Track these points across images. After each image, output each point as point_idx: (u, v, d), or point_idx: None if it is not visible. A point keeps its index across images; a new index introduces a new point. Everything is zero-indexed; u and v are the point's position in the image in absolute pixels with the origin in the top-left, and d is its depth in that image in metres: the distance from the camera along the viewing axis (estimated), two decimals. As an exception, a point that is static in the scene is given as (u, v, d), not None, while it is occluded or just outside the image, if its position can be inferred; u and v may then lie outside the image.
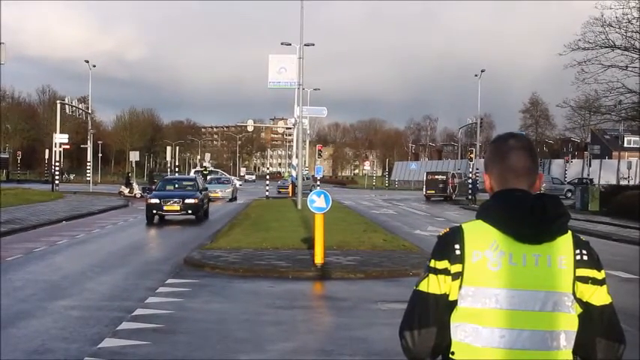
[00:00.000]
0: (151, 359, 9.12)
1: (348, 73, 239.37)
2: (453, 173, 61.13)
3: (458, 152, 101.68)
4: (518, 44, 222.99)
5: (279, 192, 64.06)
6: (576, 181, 66.85)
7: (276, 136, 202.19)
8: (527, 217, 2.63)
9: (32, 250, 20.32)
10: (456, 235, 2.72)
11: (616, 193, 41.02)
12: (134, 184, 56.37)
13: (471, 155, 60.03)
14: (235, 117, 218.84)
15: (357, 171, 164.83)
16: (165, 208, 30.74)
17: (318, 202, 16.28)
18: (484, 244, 2.66)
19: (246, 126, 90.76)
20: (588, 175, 67.69)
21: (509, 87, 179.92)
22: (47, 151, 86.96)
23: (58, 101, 66.16)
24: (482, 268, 2.63)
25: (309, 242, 18.93)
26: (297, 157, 50.18)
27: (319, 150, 70.03)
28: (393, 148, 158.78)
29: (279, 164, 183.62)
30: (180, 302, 12.92)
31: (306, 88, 56.59)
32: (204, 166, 79.46)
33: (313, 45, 48.54)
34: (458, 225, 2.76)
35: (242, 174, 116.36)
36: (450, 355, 2.67)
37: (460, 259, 2.66)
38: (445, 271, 2.68)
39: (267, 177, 61.97)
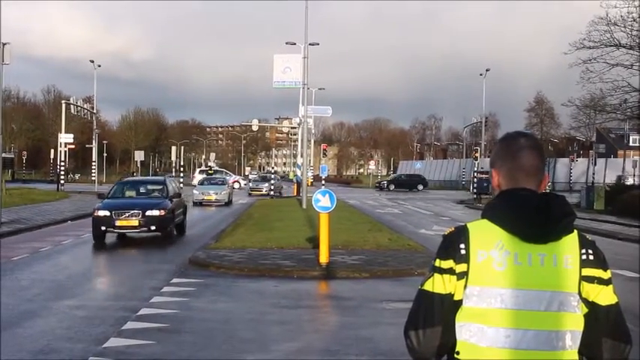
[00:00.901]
0: (156, 359, 9.12)
1: (352, 73, 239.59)
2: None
3: (463, 151, 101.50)
4: (523, 43, 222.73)
5: (250, 194, 59.67)
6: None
7: (281, 135, 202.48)
8: (533, 217, 2.63)
9: (38, 250, 20.35)
10: (461, 234, 2.71)
11: (621, 192, 40.91)
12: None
13: (476, 154, 59.90)
14: (240, 116, 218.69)
15: (361, 170, 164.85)
16: (118, 223, 22.06)
17: (323, 201, 16.29)
18: (489, 243, 2.65)
19: (251, 125, 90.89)
20: (594, 173, 67.56)
21: (514, 86, 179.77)
22: (52, 150, 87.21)
23: (63, 101, 66.25)
24: (488, 268, 2.63)
25: (314, 241, 18.91)
26: (302, 156, 50.17)
27: (324, 149, 70.14)
28: (398, 148, 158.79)
29: (284, 164, 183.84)
30: (185, 302, 12.92)
31: (310, 88, 56.55)
32: (209, 166, 79.63)
33: (318, 44, 48.63)
34: (463, 224, 2.75)
35: (247, 173, 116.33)
36: (455, 355, 2.66)
37: (465, 259, 2.65)
38: (450, 271, 2.67)
39: (272, 176, 62.00)
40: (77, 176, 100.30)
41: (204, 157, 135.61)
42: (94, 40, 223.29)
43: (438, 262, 2.71)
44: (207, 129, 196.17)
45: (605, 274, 2.69)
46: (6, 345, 9.63)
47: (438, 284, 2.68)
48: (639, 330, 9.19)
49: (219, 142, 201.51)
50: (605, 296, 2.68)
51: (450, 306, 2.67)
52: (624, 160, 76.18)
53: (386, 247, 20.36)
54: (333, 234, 18.10)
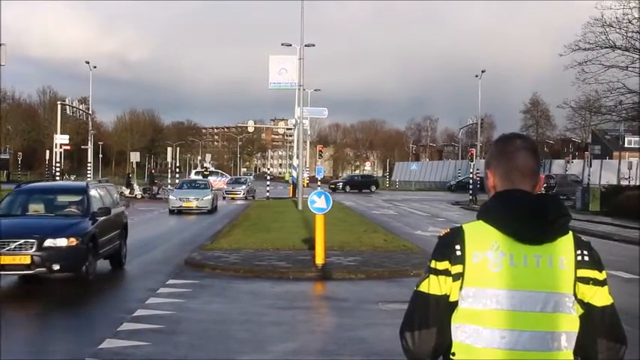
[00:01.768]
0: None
1: (348, 74, 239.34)
2: (549, 174, 61.74)
3: (459, 153, 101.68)
4: (518, 45, 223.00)
5: (224, 197, 54.82)
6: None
7: (276, 136, 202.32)
8: (528, 218, 2.63)
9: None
10: (456, 235, 2.71)
11: (617, 194, 40.99)
12: (135, 185, 56.38)
13: (472, 153, 59.91)
14: (236, 118, 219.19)
15: (357, 171, 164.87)
16: None
17: (318, 202, 16.29)
18: (485, 244, 2.65)
19: (246, 127, 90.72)
20: (589, 175, 67.58)
21: (509, 87, 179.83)
22: (48, 151, 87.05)
23: (58, 102, 66.11)
24: (483, 269, 2.63)
25: (310, 243, 18.92)
26: (297, 157, 50.16)
27: (320, 151, 70.01)
28: (394, 149, 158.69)
29: (280, 165, 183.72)
30: (180, 303, 12.91)
31: (306, 89, 56.54)
32: (205, 167, 79.57)
33: (314, 46, 48.50)
34: (459, 225, 2.76)
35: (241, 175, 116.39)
36: (451, 356, 2.66)
37: (461, 260, 2.66)
38: (446, 272, 2.67)
39: (268, 177, 61.92)
40: (73, 177, 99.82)
41: (199, 158, 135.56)
42: (90, 41, 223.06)
43: (433, 264, 2.71)
44: (203, 130, 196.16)
45: (601, 275, 2.70)
46: (5, 345, 9.62)
47: (433, 285, 2.68)
48: (635, 331, 9.21)
49: (215, 143, 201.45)
50: (600, 297, 2.68)
51: (445, 307, 2.67)
52: (619, 162, 76.31)
53: (382, 249, 20.37)
54: (329, 235, 18.11)
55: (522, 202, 2.68)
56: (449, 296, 2.67)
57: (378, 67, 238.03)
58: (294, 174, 55.86)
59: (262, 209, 40.11)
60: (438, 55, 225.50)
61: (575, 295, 2.65)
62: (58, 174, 58.74)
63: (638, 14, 38.06)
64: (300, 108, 46.83)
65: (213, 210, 39.25)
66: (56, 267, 13.74)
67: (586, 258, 2.68)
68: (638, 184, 58.42)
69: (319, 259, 16.36)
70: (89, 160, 69.63)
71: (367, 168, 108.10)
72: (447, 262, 2.68)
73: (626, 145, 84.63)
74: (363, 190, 76.72)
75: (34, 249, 13.60)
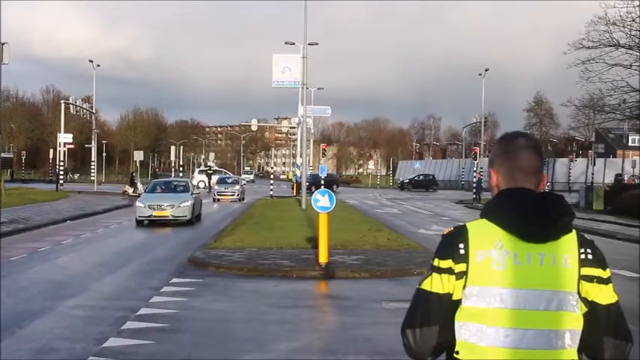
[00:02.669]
0: (155, 359, 9.12)
1: (352, 73, 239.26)
2: (633, 174, 61.96)
3: (462, 151, 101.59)
4: (522, 43, 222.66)
5: (218, 200, 50.46)
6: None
7: (280, 135, 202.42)
8: (532, 216, 2.63)
9: (37, 250, 20.35)
10: (460, 234, 2.71)
11: (620, 192, 40.92)
12: (138, 184, 56.39)
13: (476, 151, 59.90)
14: (239, 116, 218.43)
15: (361, 170, 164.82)
16: None
17: (322, 201, 16.28)
18: (489, 243, 2.65)
19: (250, 125, 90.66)
20: (593, 174, 67.52)
21: (513, 86, 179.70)
22: (51, 150, 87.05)
23: (62, 101, 66.33)
24: (487, 268, 2.63)
25: (314, 241, 18.91)
26: (301, 156, 50.14)
27: (323, 149, 70.08)
28: (397, 147, 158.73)
29: (284, 163, 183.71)
30: (184, 302, 12.92)
31: (310, 88, 56.50)
32: (209, 166, 79.63)
33: (317, 44, 48.63)
34: (462, 224, 2.75)
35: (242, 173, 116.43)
36: (455, 355, 2.66)
37: (464, 259, 2.65)
38: (449, 271, 2.67)
39: (272, 176, 61.93)
40: (76, 176, 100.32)
41: (203, 157, 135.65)
42: (94, 41, 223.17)
43: (436, 262, 2.71)
44: (207, 129, 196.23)
45: (605, 273, 2.69)
46: (5, 345, 9.63)
47: (436, 284, 2.68)
48: (637, 329, 9.20)
49: (219, 142, 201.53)
50: (605, 295, 2.68)
51: (448, 306, 2.66)
52: (623, 160, 76.24)
53: (385, 247, 20.37)
54: (333, 234, 18.11)
55: (526, 200, 2.67)
56: (452, 295, 2.67)
57: (382, 66, 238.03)
58: (298, 172, 55.87)
59: (266, 208, 40.10)
60: (441, 54, 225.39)
61: (579, 293, 2.65)
62: (61, 173, 58.84)
63: (642, 12, 37.99)
64: (304, 106, 46.79)
65: (194, 219, 30.48)
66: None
67: (590, 256, 2.68)
68: (637, 181, 58.28)
69: (323, 258, 16.35)
70: (93, 159, 69.84)
71: (371, 167, 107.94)
72: (450, 261, 2.67)
73: (629, 144, 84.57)
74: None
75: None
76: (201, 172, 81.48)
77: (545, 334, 2.60)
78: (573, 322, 2.63)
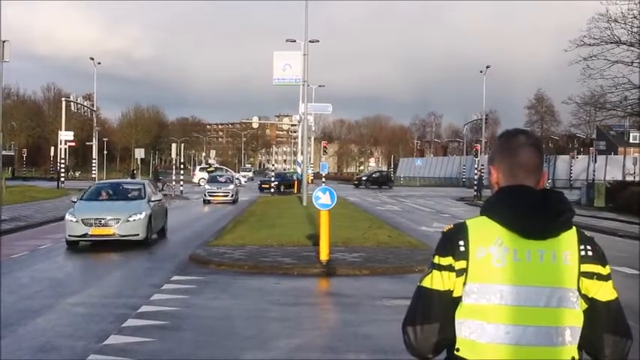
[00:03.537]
0: (156, 356, 9.13)
1: (352, 70, 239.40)
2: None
3: (463, 148, 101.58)
4: (523, 41, 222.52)
5: (206, 200, 44.64)
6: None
7: (281, 132, 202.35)
8: (532, 213, 2.63)
9: (38, 248, 20.36)
10: (460, 231, 2.71)
11: (622, 189, 40.91)
12: (139, 182, 56.31)
13: (477, 149, 59.86)
14: (240, 114, 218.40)
15: (362, 167, 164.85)
16: None
17: (323, 198, 16.29)
18: (488, 240, 2.65)
19: (251, 123, 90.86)
20: (594, 171, 67.45)
21: (514, 83, 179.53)
22: (52, 148, 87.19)
23: (63, 98, 66.28)
24: (487, 265, 2.63)
25: (315, 239, 18.92)
26: (302, 153, 50.16)
27: (324, 147, 70.05)
28: (399, 145, 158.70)
29: (285, 161, 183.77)
30: (185, 299, 12.93)
31: (311, 85, 56.53)
32: (209, 163, 79.62)
33: (318, 42, 48.51)
34: (462, 221, 2.76)
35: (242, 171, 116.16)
36: (455, 352, 2.66)
37: (465, 256, 2.66)
38: (449, 268, 2.67)
39: (273, 174, 61.89)
40: (77, 174, 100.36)
41: (204, 154, 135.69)
42: (95, 40, 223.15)
43: (437, 259, 2.71)
44: (208, 126, 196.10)
45: (605, 270, 2.70)
46: (6, 342, 9.64)
47: (436, 281, 2.68)
48: (637, 326, 9.19)
49: (220, 139, 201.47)
50: (604, 292, 2.68)
51: (449, 303, 2.67)
52: (624, 157, 76.19)
53: (386, 245, 20.37)
54: (334, 231, 18.11)
55: (526, 197, 2.68)
56: (452, 292, 2.67)
57: (383, 63, 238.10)
58: (299, 170, 55.86)
59: (267, 205, 40.08)
60: (442, 51, 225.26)
61: (579, 290, 2.65)
62: (63, 170, 58.85)
63: (643, 10, 37.96)
64: (305, 104, 46.77)
65: (151, 237, 21.84)
66: None
67: (590, 253, 2.69)
68: (638, 179, 58.30)
69: (324, 256, 16.36)
70: (94, 157, 69.76)
71: (372, 164, 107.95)
72: (450, 258, 2.68)
73: (631, 141, 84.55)
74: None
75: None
76: (202, 169, 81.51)
77: (546, 330, 2.60)
78: (573, 319, 2.64)
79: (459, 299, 2.66)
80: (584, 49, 39.65)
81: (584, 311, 2.66)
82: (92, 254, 19.87)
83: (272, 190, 57.30)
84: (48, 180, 76.98)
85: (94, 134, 71.45)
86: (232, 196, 45.16)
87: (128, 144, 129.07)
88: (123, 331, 10.28)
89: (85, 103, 68.10)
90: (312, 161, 72.34)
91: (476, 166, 57.09)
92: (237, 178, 62.63)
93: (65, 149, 62.76)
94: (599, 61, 39.50)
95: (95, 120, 75.20)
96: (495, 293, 2.61)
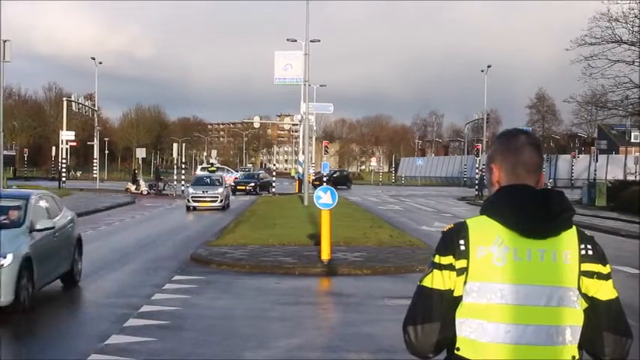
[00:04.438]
0: (157, 356, 9.13)
1: (353, 70, 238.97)
2: None
3: (464, 148, 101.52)
4: (524, 40, 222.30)
5: (190, 207, 37.55)
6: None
7: (282, 132, 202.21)
8: (532, 212, 2.64)
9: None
10: (460, 230, 2.71)
11: (623, 189, 40.90)
12: (141, 181, 56.44)
13: (478, 148, 59.89)
14: (242, 114, 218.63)
15: (363, 167, 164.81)
16: None
17: (324, 198, 16.30)
18: (489, 239, 2.65)
19: (252, 122, 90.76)
20: (595, 170, 67.38)
21: (515, 83, 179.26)
22: (54, 148, 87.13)
23: (64, 98, 66.29)
24: (488, 264, 2.63)
25: (316, 238, 18.93)
26: (303, 153, 50.17)
27: (325, 146, 70.03)
28: (400, 144, 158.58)
29: (286, 160, 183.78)
30: (186, 299, 12.93)
31: (312, 85, 56.57)
32: (211, 163, 79.63)
33: (319, 41, 48.52)
34: (462, 220, 2.76)
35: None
36: (456, 351, 2.66)
37: (465, 255, 2.66)
38: (450, 267, 2.67)
39: (274, 174, 61.88)
40: (79, 173, 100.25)
41: (205, 154, 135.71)
42: (96, 39, 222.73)
43: (437, 258, 2.71)
44: (209, 126, 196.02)
45: (605, 269, 2.70)
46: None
47: (437, 280, 2.68)
48: (637, 325, 9.19)
49: (221, 139, 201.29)
50: (605, 291, 2.69)
51: (449, 302, 2.67)
52: (626, 157, 76.14)
53: (387, 244, 20.37)
54: (335, 231, 18.11)
55: (527, 196, 2.68)
56: (453, 291, 2.67)
57: (384, 63, 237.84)
58: (300, 170, 55.87)
59: (268, 205, 40.09)
60: (443, 50, 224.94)
61: (579, 289, 2.66)
62: (64, 170, 58.88)
63: (644, 9, 37.94)
64: (306, 103, 46.80)
65: (26, 300, 11.20)
66: None
67: (590, 252, 2.69)
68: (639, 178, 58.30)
69: (325, 255, 16.36)
70: (95, 156, 69.83)
71: (373, 163, 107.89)
72: (451, 257, 2.68)
73: (632, 140, 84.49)
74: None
75: None
76: (203, 169, 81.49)
77: (546, 329, 2.61)
78: (574, 318, 2.64)
79: (459, 298, 2.66)
80: (586, 48, 39.65)
81: (584, 310, 2.66)
82: (94, 253, 19.91)
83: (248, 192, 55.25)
84: (49, 180, 76.92)
85: (95, 134, 71.50)
86: (221, 201, 38.27)
87: (129, 144, 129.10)
88: (124, 331, 10.28)
89: (87, 103, 68.11)
90: (313, 161, 72.33)
91: (477, 166, 57.14)
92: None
93: (66, 149, 62.73)
94: (601, 60, 39.50)
95: (96, 120, 75.28)
96: (496, 292, 2.61)
